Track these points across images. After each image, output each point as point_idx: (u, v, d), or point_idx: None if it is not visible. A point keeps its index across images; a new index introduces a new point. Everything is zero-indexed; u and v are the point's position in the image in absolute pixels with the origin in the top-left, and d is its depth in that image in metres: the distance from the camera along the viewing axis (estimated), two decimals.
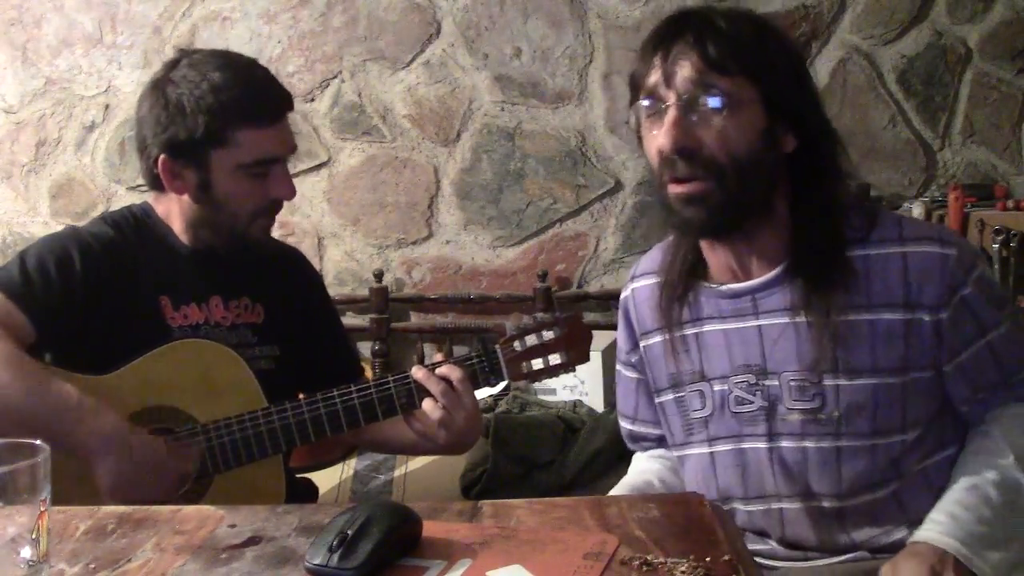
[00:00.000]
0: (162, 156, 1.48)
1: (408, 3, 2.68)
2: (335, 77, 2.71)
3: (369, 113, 2.72)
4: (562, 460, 2.08)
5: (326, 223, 2.76)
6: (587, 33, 2.67)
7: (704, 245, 1.26)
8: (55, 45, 2.73)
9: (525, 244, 2.75)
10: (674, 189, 1.15)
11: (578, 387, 2.36)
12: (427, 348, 2.73)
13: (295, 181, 1.58)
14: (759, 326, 1.22)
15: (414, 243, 2.76)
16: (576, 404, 2.28)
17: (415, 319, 2.77)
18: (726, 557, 0.87)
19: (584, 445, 2.09)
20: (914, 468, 1.19)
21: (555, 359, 1.52)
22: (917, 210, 2.48)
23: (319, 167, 2.73)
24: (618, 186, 2.72)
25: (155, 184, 1.54)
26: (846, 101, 2.68)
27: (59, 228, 2.63)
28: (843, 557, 1.21)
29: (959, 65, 2.68)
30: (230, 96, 1.46)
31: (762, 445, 1.22)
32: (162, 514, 1.04)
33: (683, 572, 0.85)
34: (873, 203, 1.26)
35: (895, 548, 1.18)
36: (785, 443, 1.20)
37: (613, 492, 1.36)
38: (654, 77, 1.15)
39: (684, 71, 1.13)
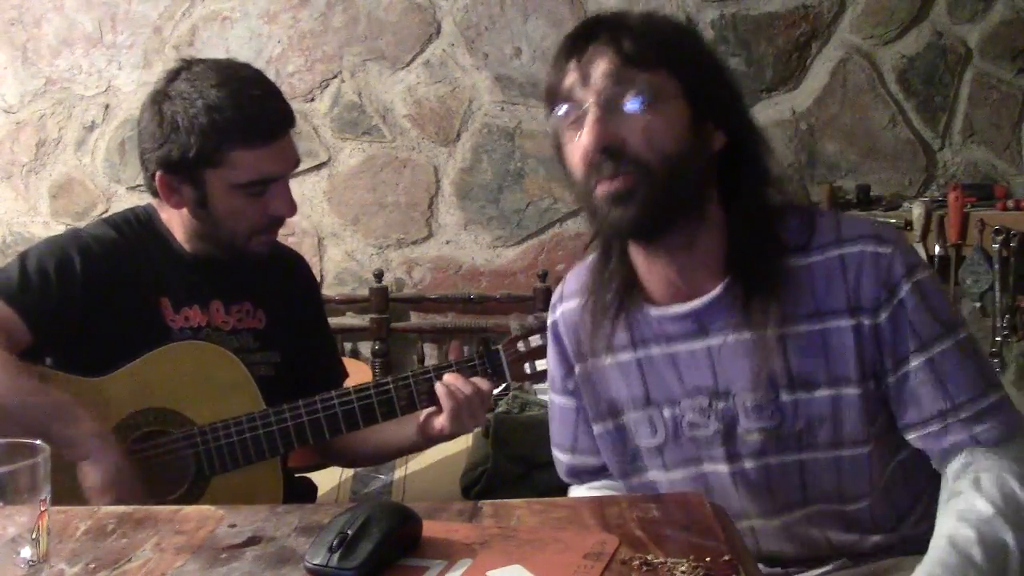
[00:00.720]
0: (159, 172, 1.47)
1: (408, 3, 2.68)
2: (335, 77, 2.71)
3: (369, 113, 2.72)
4: None
5: (326, 223, 2.76)
6: None
7: (640, 264, 1.18)
8: (55, 45, 2.73)
9: (525, 244, 2.75)
10: (600, 190, 1.08)
11: None
12: (427, 348, 2.73)
13: (295, 181, 1.57)
14: (708, 347, 1.15)
15: (414, 243, 2.76)
16: None
17: (415, 319, 2.77)
18: (726, 557, 0.87)
19: None
20: (884, 472, 1.16)
21: None
22: (917, 210, 2.48)
23: (319, 167, 2.73)
24: None
25: (156, 193, 1.53)
26: (846, 101, 2.68)
27: (59, 228, 2.65)
28: (824, 568, 1.18)
29: (959, 65, 2.68)
30: (224, 117, 1.42)
31: (723, 468, 1.17)
32: (162, 514, 1.04)
33: (683, 572, 0.85)
34: (809, 206, 1.17)
35: (876, 551, 1.16)
36: (747, 463, 1.16)
37: None
38: (569, 80, 1.09)
39: (601, 68, 1.07)
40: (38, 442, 0.85)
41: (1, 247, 2.78)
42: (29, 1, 2.72)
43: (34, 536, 0.83)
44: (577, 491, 1.34)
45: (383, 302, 2.69)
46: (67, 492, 1.22)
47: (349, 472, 2.09)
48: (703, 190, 1.12)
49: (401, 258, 2.76)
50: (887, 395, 1.13)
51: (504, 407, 2.23)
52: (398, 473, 2.13)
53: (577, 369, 1.27)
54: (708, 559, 0.87)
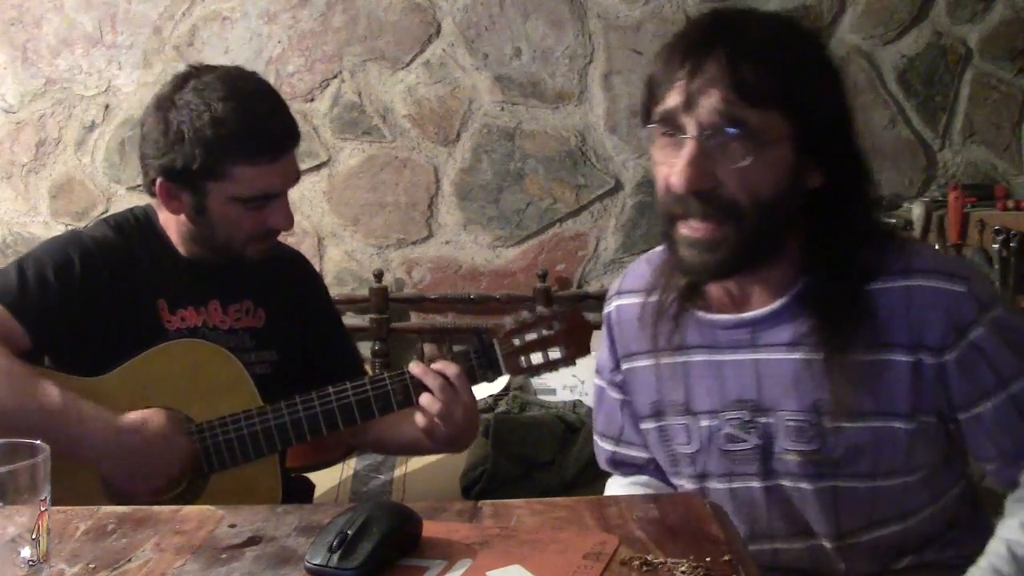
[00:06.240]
0: (160, 179, 1.47)
1: (408, 3, 2.68)
2: (335, 77, 2.71)
3: (369, 113, 2.72)
4: (562, 460, 2.08)
5: (326, 223, 2.76)
6: (587, 33, 2.67)
7: None
8: (55, 45, 2.73)
9: (525, 244, 2.75)
10: (684, 231, 1.04)
11: (578, 387, 2.36)
12: (427, 348, 2.72)
13: None
14: (756, 360, 1.12)
15: (414, 243, 2.76)
16: (576, 404, 2.28)
17: (415, 319, 2.77)
18: (726, 557, 0.87)
19: (584, 445, 2.09)
20: (917, 504, 1.13)
21: (554, 353, 1.49)
22: (917, 210, 2.47)
23: (319, 167, 2.73)
24: (618, 186, 2.72)
25: (155, 195, 1.53)
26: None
27: (59, 228, 2.65)
28: None
29: (959, 65, 2.68)
30: (229, 131, 1.42)
31: (756, 484, 1.14)
32: (162, 514, 1.04)
33: (683, 572, 0.85)
34: (889, 232, 1.14)
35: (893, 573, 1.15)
36: (783, 482, 1.13)
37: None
38: (674, 99, 1.01)
39: (710, 99, 0.99)
40: (38, 442, 0.85)
41: (1, 247, 2.78)
42: (29, 1, 2.72)
43: (34, 536, 0.83)
44: (616, 483, 1.33)
45: (383, 302, 2.69)
46: (67, 492, 1.22)
47: (349, 472, 2.09)
48: (790, 228, 1.07)
49: (401, 258, 2.76)
50: (958, 430, 1.10)
51: (504, 407, 2.23)
52: (398, 472, 2.13)
53: (624, 365, 1.25)
54: (708, 559, 0.87)
